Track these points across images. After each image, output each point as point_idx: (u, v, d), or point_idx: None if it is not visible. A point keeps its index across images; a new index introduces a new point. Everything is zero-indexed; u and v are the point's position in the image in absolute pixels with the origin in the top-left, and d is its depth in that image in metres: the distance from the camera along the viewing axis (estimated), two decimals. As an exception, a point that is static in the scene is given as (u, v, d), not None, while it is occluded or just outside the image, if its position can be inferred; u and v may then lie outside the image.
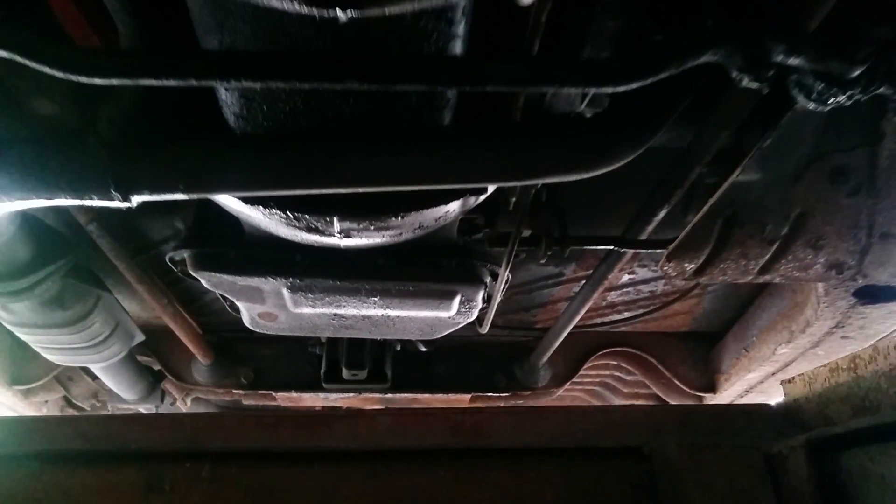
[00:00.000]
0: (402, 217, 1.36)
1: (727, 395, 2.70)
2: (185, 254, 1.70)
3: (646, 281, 2.42)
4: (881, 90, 1.05)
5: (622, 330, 2.72)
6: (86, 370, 2.73)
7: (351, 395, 2.77)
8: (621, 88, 1.01)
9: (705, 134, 1.38)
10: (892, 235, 1.50)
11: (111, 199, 1.13)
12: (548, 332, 2.48)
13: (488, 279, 1.80)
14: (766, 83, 1.01)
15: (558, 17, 1.09)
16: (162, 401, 2.80)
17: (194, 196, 1.20)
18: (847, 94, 1.04)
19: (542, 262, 1.81)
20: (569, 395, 3.21)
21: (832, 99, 1.05)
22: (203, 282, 1.70)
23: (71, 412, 3.09)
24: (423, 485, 1.37)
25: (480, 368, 2.79)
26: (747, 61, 0.98)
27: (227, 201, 1.37)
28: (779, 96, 1.11)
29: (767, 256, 1.54)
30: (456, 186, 1.30)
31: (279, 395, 2.87)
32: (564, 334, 2.37)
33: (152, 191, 1.14)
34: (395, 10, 0.86)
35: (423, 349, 2.76)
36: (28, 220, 1.70)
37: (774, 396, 2.60)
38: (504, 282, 1.81)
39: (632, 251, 1.82)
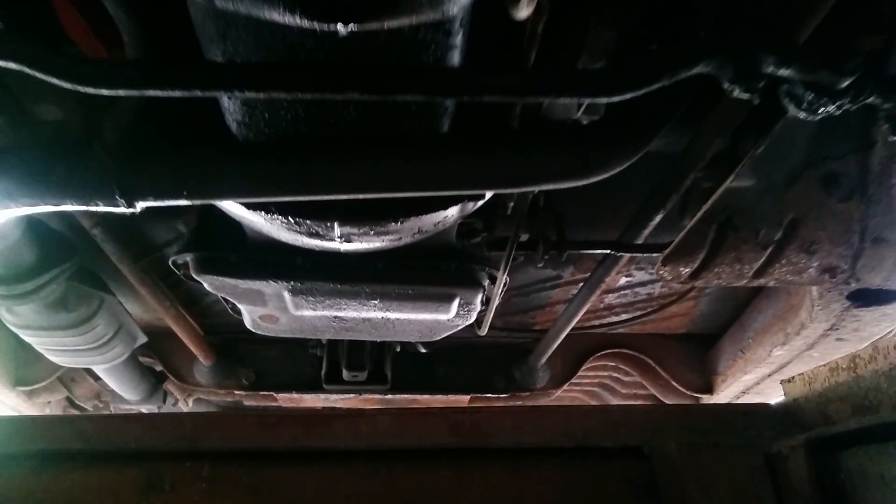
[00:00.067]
0: (402, 222, 1.38)
1: (724, 396, 2.72)
2: (187, 257, 1.71)
3: (643, 283, 2.44)
4: (870, 100, 1.08)
5: (620, 332, 2.75)
6: (89, 371, 2.75)
7: (351, 396, 2.80)
8: (615, 99, 1.03)
9: (699, 140, 1.40)
10: (884, 240, 1.52)
11: (116, 205, 1.15)
12: (546, 333, 2.50)
13: (487, 282, 1.81)
14: (757, 94, 1.03)
15: (554, 28, 1.11)
16: (164, 402, 2.82)
17: (198, 202, 1.21)
18: (836, 104, 1.06)
19: (540, 265, 1.83)
20: (567, 395, 3.23)
21: (822, 109, 1.07)
22: (206, 285, 1.72)
23: (74, 413, 3.11)
24: (422, 484, 1.36)
25: (479, 370, 2.81)
26: (738, 73, 1.00)
27: (230, 206, 1.39)
28: (771, 105, 1.14)
29: (761, 261, 1.56)
30: (454, 193, 1.32)
31: (280, 396, 2.89)
32: (563, 336, 2.39)
33: (157, 197, 1.16)
34: (394, 24, 0.88)
35: (423, 351, 2.78)
36: (33, 225, 1.73)
37: (771, 398, 2.62)
38: (502, 285, 1.83)
39: (629, 255, 1.84)
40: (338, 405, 3.00)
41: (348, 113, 1.14)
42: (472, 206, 1.47)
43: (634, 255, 1.83)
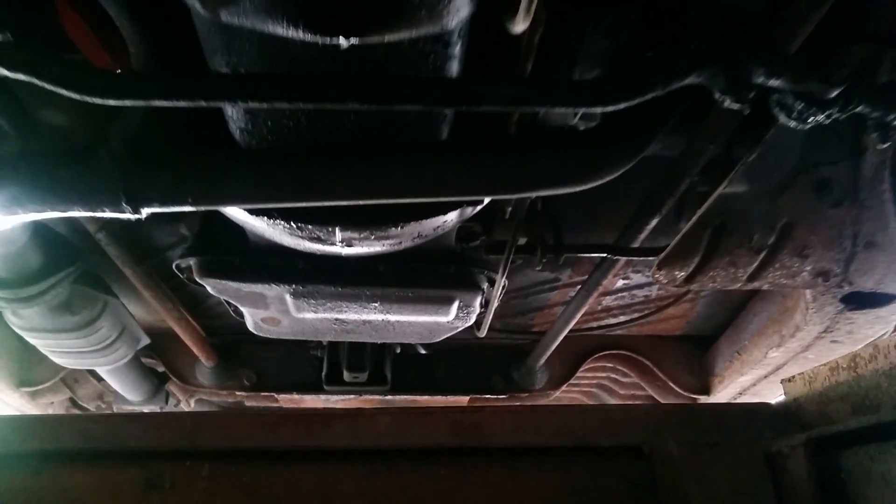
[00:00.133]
0: (402, 227, 1.40)
1: (721, 397, 2.75)
2: (191, 261, 1.73)
3: (640, 286, 2.46)
4: (859, 109, 1.10)
5: (618, 333, 2.76)
6: (92, 372, 2.77)
7: (352, 396, 2.82)
8: (610, 108, 1.06)
9: (694, 146, 1.42)
10: (876, 244, 1.54)
11: (122, 211, 1.17)
12: (545, 335, 2.52)
13: (485, 285, 1.84)
14: (748, 104, 1.06)
15: (550, 38, 1.13)
16: (166, 402, 2.84)
17: (202, 208, 1.24)
18: (826, 113, 1.09)
19: (538, 268, 1.86)
20: (566, 396, 3.24)
21: (812, 118, 1.10)
22: (209, 288, 1.74)
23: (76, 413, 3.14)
24: (422, 483, 1.37)
25: (479, 371, 2.83)
26: (729, 83, 1.03)
27: (233, 211, 1.41)
28: (763, 113, 1.16)
29: (755, 265, 1.58)
30: (453, 199, 1.34)
31: (281, 396, 2.92)
32: (561, 338, 2.42)
33: (162, 203, 1.18)
34: (394, 38, 0.91)
35: (423, 352, 2.80)
36: (39, 229, 1.75)
37: (767, 399, 2.64)
38: (501, 287, 1.86)
39: (625, 258, 1.86)
40: (338, 406, 3.02)
41: (349, 121, 1.17)
42: (470, 211, 1.49)
43: (631, 258, 1.85)
